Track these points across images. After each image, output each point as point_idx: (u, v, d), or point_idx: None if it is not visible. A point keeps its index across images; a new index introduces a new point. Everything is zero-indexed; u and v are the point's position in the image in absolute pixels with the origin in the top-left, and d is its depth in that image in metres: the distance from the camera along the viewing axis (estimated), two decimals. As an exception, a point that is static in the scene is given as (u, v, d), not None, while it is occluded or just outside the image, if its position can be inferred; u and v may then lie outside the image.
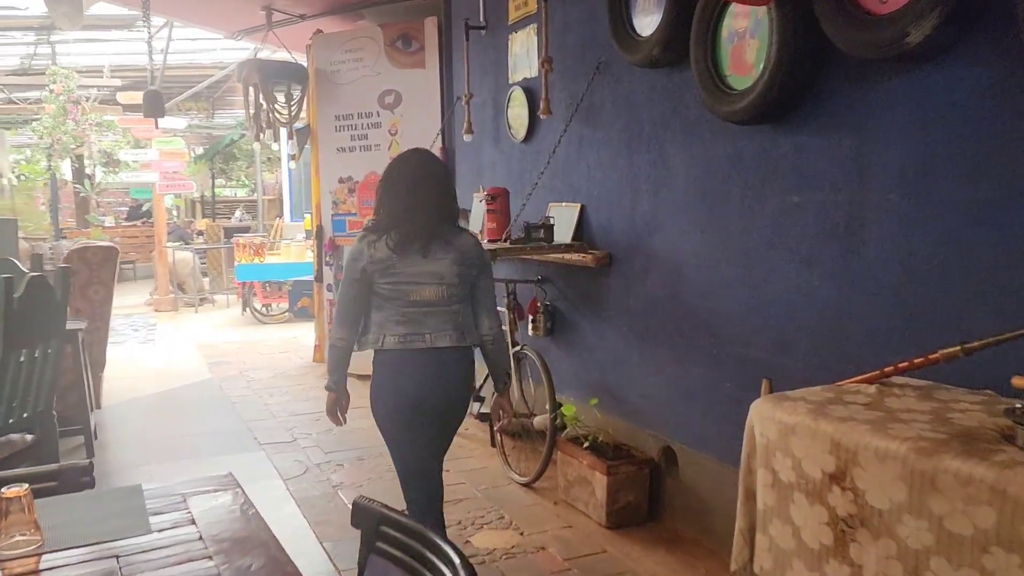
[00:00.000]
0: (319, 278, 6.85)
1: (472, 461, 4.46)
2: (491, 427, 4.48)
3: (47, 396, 3.29)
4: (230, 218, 16.33)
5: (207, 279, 12.69)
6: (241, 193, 21.41)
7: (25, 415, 3.18)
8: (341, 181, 6.62)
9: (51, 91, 10.87)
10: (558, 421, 3.87)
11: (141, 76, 12.01)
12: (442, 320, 2.67)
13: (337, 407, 2.91)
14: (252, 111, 6.44)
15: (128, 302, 12.15)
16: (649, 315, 3.66)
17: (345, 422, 2.97)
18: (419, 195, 2.65)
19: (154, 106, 5.76)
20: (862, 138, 2.57)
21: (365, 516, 1.59)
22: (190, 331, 9.50)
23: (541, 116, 4.19)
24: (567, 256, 4.00)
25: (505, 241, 3.98)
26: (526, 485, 4.04)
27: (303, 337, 8.35)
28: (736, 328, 3.14)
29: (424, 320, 2.65)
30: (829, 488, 1.89)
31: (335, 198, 6.67)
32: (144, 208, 16.36)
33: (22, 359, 3.09)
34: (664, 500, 3.61)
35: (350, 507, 1.55)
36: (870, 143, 2.55)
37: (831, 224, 2.70)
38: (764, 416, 2.11)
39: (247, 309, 10.31)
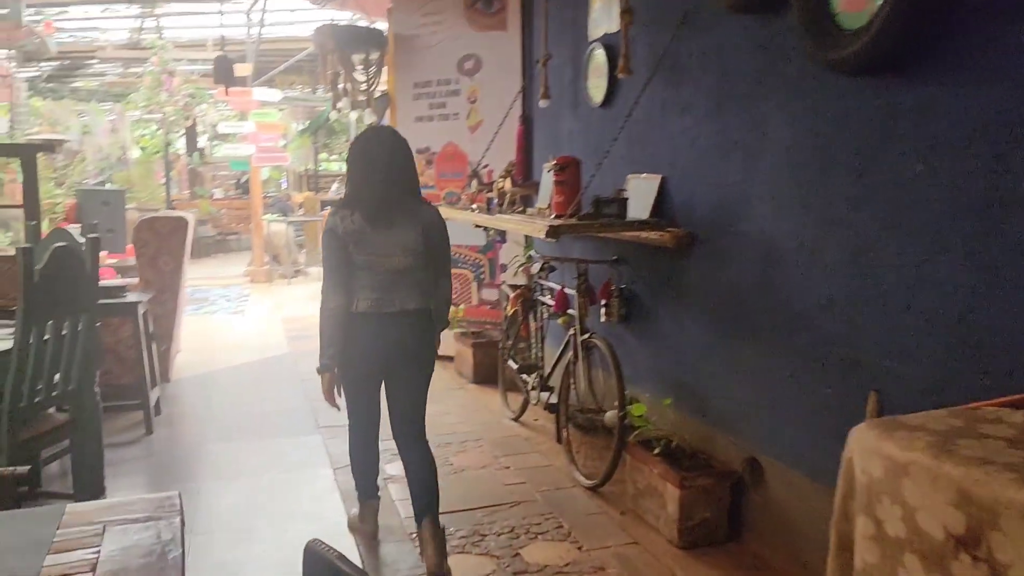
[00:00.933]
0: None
1: (535, 457, 4.07)
2: (558, 420, 4.08)
3: (82, 373, 3.10)
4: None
5: (304, 251, 12.79)
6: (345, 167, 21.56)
7: (54, 393, 2.99)
8: (419, 152, 6.29)
9: (150, 64, 11.04)
10: (627, 420, 3.42)
11: (243, 49, 12.12)
12: (409, 285, 2.89)
13: (333, 387, 2.99)
14: (329, 79, 6.19)
15: (228, 272, 12.38)
16: (736, 305, 3.15)
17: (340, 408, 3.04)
18: (384, 171, 2.82)
19: (224, 72, 5.59)
20: (1012, 91, 1.99)
21: (315, 565, 1.24)
22: (279, 303, 9.50)
23: (620, 76, 3.71)
24: (643, 235, 3.52)
25: (572, 217, 3.54)
26: (592, 489, 3.62)
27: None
28: (840, 324, 2.60)
29: (394, 286, 2.87)
30: (955, 555, 1.39)
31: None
32: (244, 179, 16.69)
33: (47, 335, 2.90)
34: (746, 519, 3.11)
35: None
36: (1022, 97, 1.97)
37: (966, 198, 2.13)
38: (868, 448, 1.61)
39: (336, 283, 10.25)
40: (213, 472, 3.98)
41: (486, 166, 5.82)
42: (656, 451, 3.21)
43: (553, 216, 3.69)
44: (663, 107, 3.62)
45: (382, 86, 6.53)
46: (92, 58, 12.24)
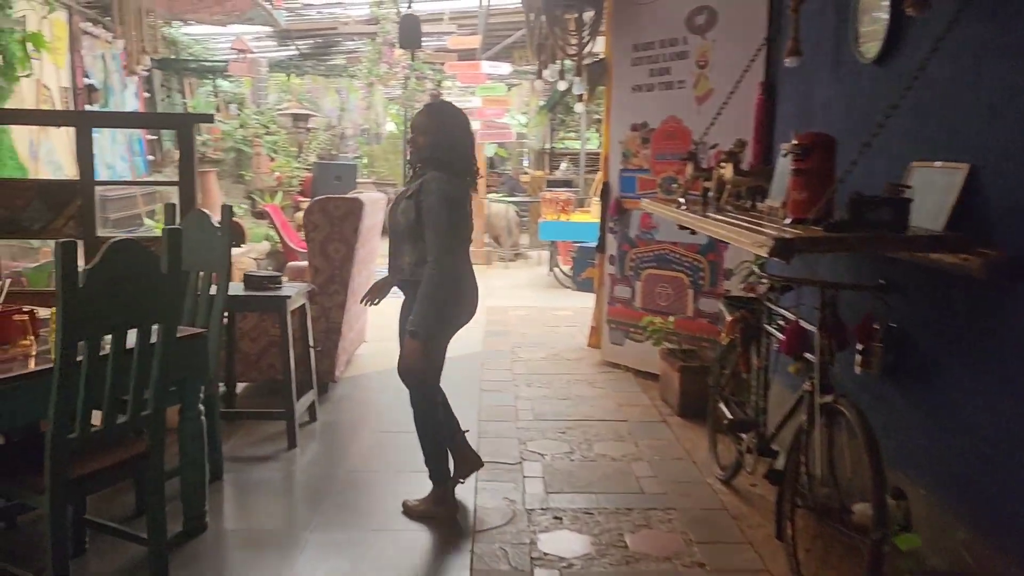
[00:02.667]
0: (601, 247, 5.63)
1: (744, 555, 2.94)
2: (779, 507, 2.90)
3: (154, 395, 2.51)
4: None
5: (527, 233, 12.23)
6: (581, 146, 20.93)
7: (121, 421, 2.43)
8: (634, 128, 5.27)
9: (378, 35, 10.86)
10: (887, 533, 2.22)
11: (474, 16, 11.69)
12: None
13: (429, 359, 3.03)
14: (535, 42, 5.34)
15: (451, 252, 12.15)
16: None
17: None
18: (471, 141, 3.13)
19: (410, 34, 4.93)
20: None
21: None
22: (490, 289, 8.94)
23: (908, 12, 2.46)
24: (933, 256, 2.28)
25: (816, 224, 2.37)
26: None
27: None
28: None
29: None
30: None
31: (625, 149, 5.35)
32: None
33: (104, 350, 2.33)
34: None
35: None
36: None
37: None
38: None
39: (551, 270, 9.53)
40: (344, 511, 3.30)
41: (713, 146, 4.66)
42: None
43: (788, 220, 2.54)
44: (977, 56, 2.33)
45: (595, 51, 5.56)
46: (335, 33, 12.44)
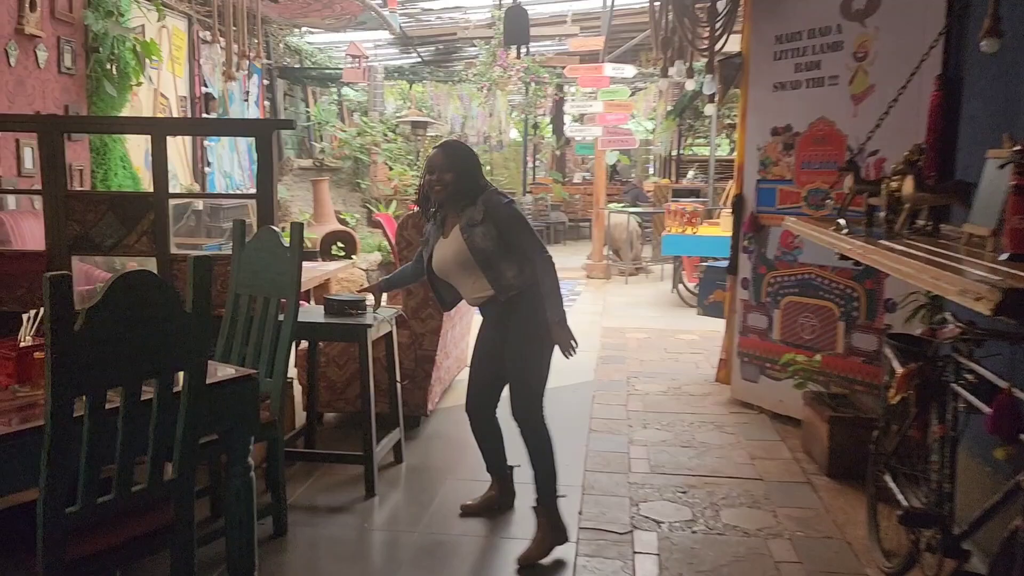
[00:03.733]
0: (732, 267, 4.91)
1: None
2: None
3: (179, 456, 2.08)
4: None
5: (650, 245, 11.51)
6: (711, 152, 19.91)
7: (137, 488, 2.01)
8: (775, 132, 4.54)
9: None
10: None
11: (597, 18, 11.10)
12: None
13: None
14: (661, 36, 4.71)
15: (569, 264, 11.59)
16: None
17: None
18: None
19: (516, 29, 4.40)
20: None
21: None
22: (608, 307, 8.32)
23: None
24: None
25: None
26: None
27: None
28: None
29: None
30: None
31: (764, 157, 4.63)
32: (591, 164, 15.92)
33: (125, 402, 1.91)
34: None
35: None
36: None
37: None
38: None
39: (675, 287, 8.80)
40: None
41: (873, 153, 3.90)
42: None
43: (1003, 256, 1.82)
44: None
45: (728, 46, 4.86)
46: (454, 39, 12.16)
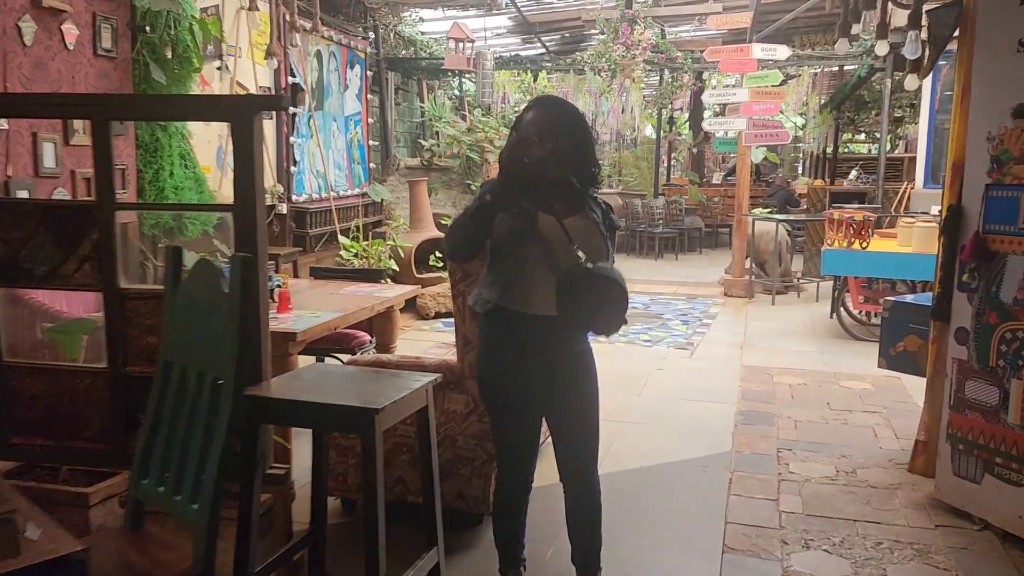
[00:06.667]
0: (940, 312, 3.40)
1: None
2: None
3: None
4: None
5: (801, 257, 9.82)
6: (875, 149, 17.65)
7: None
8: (1020, 115, 3.02)
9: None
10: None
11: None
12: None
13: None
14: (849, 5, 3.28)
15: (705, 277, 10.10)
16: None
17: None
18: None
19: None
20: None
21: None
22: (750, 336, 6.84)
23: None
24: None
25: None
26: None
27: (916, 388, 4.86)
28: None
29: None
30: None
31: (999, 150, 3.11)
32: (732, 163, 14.23)
33: None
34: None
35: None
36: None
37: None
38: None
39: (836, 312, 7.18)
40: None
41: None
42: None
43: None
44: None
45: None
46: (578, 26, 10.90)
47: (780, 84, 9.13)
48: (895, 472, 3.76)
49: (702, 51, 8.90)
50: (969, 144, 3.24)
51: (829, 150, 15.62)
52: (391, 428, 2.98)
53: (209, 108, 2.52)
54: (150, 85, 5.14)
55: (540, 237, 2.28)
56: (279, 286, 3.78)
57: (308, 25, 6.28)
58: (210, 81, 6.28)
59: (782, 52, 8.58)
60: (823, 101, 14.18)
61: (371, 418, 2.19)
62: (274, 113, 7.12)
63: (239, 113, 2.37)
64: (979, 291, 3.19)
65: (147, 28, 5.08)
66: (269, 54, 5.59)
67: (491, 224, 2.25)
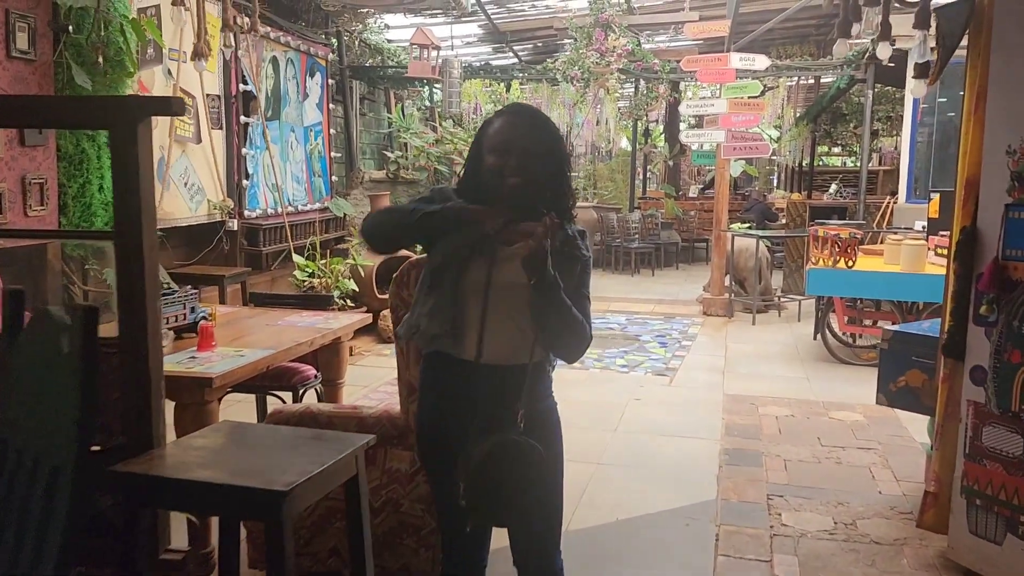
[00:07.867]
0: (953, 348, 3.00)
1: None
2: None
3: None
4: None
5: (781, 274, 9.48)
6: (851, 163, 17.49)
7: None
8: (1044, 124, 2.65)
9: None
10: None
11: (721, 6, 9.23)
12: None
13: None
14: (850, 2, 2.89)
15: (683, 295, 9.72)
16: None
17: None
18: None
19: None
20: None
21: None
22: (731, 359, 6.44)
23: None
24: None
25: None
26: None
27: (911, 420, 4.49)
28: None
29: None
30: None
31: (1022, 165, 2.73)
32: (709, 177, 13.91)
33: None
34: None
35: None
36: None
37: None
38: None
39: (820, 334, 6.81)
40: None
41: None
42: None
43: None
44: None
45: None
46: (550, 35, 10.53)
47: (760, 95, 8.81)
48: (899, 524, 3.36)
49: (678, 61, 8.55)
50: (985, 158, 2.86)
51: (805, 163, 15.42)
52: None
53: (79, 112, 2.05)
54: (74, 91, 4.65)
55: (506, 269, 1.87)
56: (204, 318, 3.32)
57: (246, 23, 5.84)
58: (151, 87, 5.80)
59: (761, 62, 8.26)
60: (799, 114, 13.96)
61: (278, 503, 1.74)
62: (224, 122, 6.65)
63: (119, 119, 1.91)
64: (999, 325, 2.80)
65: (71, 28, 4.59)
66: (196, 55, 5.14)
67: (434, 234, 1.90)
